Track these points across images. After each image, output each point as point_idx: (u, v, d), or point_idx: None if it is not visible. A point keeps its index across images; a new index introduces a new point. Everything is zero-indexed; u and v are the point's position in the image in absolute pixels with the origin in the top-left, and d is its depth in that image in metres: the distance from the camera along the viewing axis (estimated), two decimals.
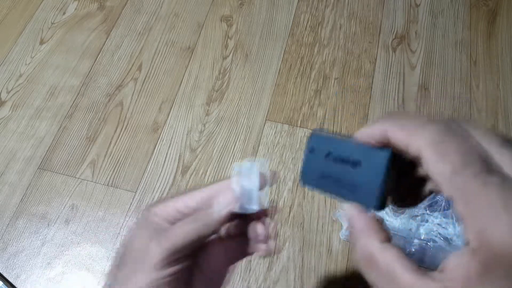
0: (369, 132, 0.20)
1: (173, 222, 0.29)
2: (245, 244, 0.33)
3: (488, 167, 0.16)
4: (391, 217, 0.68)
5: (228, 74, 0.90)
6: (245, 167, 0.28)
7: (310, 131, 0.24)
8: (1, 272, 0.70)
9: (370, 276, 0.20)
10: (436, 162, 0.17)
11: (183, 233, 0.27)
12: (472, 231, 0.16)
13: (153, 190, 0.77)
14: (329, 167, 0.22)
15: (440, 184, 0.17)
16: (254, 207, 0.29)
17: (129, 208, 0.76)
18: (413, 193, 0.22)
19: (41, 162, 0.80)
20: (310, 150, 0.24)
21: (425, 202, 0.69)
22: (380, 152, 0.20)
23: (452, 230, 0.66)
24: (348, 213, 0.21)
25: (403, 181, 0.22)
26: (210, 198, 0.29)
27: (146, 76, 0.89)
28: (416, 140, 0.18)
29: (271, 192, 0.76)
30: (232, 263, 0.33)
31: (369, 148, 0.20)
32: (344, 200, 0.22)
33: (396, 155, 0.20)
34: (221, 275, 0.32)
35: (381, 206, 0.20)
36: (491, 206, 0.16)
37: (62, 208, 0.76)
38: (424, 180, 0.22)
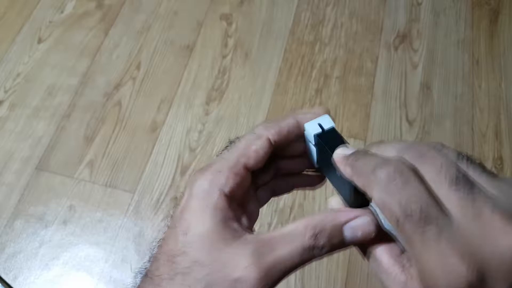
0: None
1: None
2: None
3: (426, 216, 0.18)
4: None
5: (227, 73, 0.89)
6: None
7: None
8: None
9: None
10: (385, 214, 0.19)
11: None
12: (416, 270, 0.19)
13: (152, 191, 0.76)
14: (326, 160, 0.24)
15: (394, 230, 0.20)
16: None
17: (127, 209, 0.75)
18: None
19: (39, 162, 0.79)
20: (315, 145, 0.25)
21: None
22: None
23: None
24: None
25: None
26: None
27: (144, 75, 0.89)
28: (370, 189, 0.19)
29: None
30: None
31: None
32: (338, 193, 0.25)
33: None
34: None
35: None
36: (429, 253, 0.18)
37: (60, 209, 0.75)
38: None
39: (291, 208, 0.75)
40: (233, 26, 0.95)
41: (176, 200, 0.76)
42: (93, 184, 0.77)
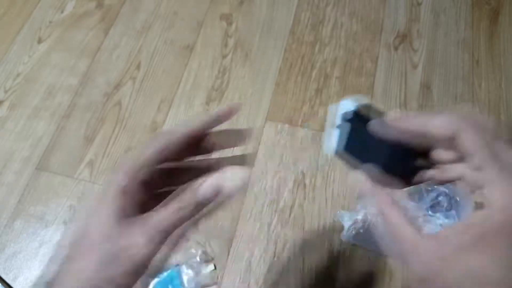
0: (409, 121, 0.25)
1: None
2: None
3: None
4: None
5: (227, 73, 0.89)
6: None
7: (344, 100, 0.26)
8: None
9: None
10: (473, 135, 0.23)
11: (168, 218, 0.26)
12: (503, 193, 0.22)
13: None
14: (355, 139, 0.26)
15: (474, 154, 0.23)
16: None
17: None
18: (408, 175, 0.27)
19: (39, 162, 0.79)
20: (349, 120, 0.26)
21: (428, 203, 0.68)
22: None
23: None
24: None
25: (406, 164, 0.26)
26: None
27: (144, 75, 0.89)
28: (453, 124, 0.23)
29: (270, 193, 0.76)
30: None
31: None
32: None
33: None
34: None
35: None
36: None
37: (60, 209, 0.75)
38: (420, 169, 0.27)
39: (291, 208, 0.75)
40: (233, 26, 0.95)
41: None
42: (93, 184, 0.77)
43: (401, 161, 0.25)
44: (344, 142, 0.27)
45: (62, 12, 0.96)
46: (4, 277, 0.69)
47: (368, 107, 0.26)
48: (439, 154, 0.26)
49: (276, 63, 0.90)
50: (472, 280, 0.20)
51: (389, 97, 0.87)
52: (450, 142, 0.24)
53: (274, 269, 0.70)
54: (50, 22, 0.95)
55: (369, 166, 0.26)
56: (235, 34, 0.94)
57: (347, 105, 0.26)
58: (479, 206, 0.78)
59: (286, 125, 0.83)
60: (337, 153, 0.28)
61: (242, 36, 0.94)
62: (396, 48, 0.93)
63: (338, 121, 0.26)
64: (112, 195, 0.26)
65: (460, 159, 0.25)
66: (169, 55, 0.91)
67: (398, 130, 0.25)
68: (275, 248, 0.71)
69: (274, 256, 0.71)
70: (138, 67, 0.89)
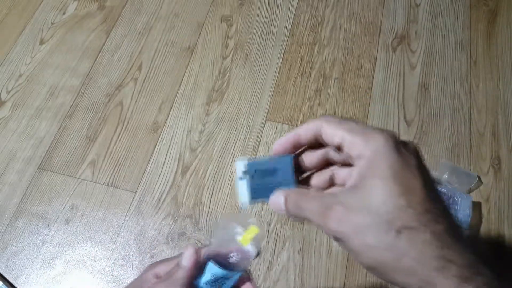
0: (281, 142, 0.29)
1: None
2: None
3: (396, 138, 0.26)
4: None
5: (228, 74, 0.90)
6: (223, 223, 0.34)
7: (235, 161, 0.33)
8: (1, 272, 0.70)
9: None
10: (352, 145, 0.26)
11: None
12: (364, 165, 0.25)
13: (153, 190, 0.77)
14: (259, 181, 0.30)
15: (356, 155, 0.25)
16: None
17: (129, 208, 0.76)
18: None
19: (41, 162, 0.80)
20: (242, 176, 0.30)
21: None
22: (286, 157, 0.29)
23: None
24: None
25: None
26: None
27: (146, 76, 0.89)
28: (340, 133, 0.26)
29: None
30: None
31: (279, 157, 0.29)
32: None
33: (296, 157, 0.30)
34: None
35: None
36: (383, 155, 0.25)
37: (62, 208, 0.75)
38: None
39: None
40: (233, 27, 0.96)
41: (176, 200, 0.76)
42: (95, 184, 0.78)
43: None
44: (250, 190, 0.30)
45: (64, 13, 0.97)
46: (6, 275, 0.70)
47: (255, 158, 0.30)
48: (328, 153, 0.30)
49: (276, 64, 0.91)
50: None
51: (387, 98, 0.88)
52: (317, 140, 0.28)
53: (273, 268, 0.71)
54: (52, 23, 0.96)
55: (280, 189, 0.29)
56: (235, 36, 0.95)
57: (241, 162, 0.29)
58: (476, 205, 0.78)
59: (286, 125, 0.84)
60: (250, 203, 0.31)
61: (242, 37, 0.94)
62: (394, 49, 0.94)
63: (239, 175, 0.30)
64: None
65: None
66: (170, 56, 0.92)
67: (281, 148, 0.29)
68: (275, 247, 0.72)
69: (273, 255, 0.71)
70: (139, 68, 0.90)
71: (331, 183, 0.30)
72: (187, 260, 0.33)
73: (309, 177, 0.31)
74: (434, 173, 0.78)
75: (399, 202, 0.23)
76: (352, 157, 0.26)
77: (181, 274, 0.32)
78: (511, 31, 0.97)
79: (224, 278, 0.32)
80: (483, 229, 0.75)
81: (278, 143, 0.29)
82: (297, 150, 0.30)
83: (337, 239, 0.25)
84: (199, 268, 0.33)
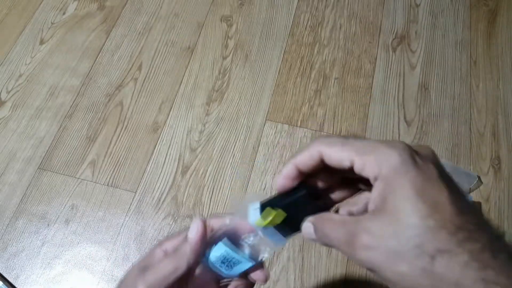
0: (284, 175, 0.27)
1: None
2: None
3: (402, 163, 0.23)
4: None
5: (228, 74, 0.90)
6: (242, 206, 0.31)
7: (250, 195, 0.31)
8: (1, 272, 0.70)
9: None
10: (365, 166, 0.24)
11: (164, 268, 0.30)
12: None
13: (153, 190, 0.77)
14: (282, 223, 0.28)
15: (372, 177, 0.24)
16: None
17: (129, 208, 0.76)
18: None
19: (41, 162, 0.80)
20: (265, 228, 0.29)
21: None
22: (300, 190, 0.28)
23: None
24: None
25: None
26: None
27: (146, 76, 0.89)
28: (347, 154, 0.25)
29: (270, 193, 0.76)
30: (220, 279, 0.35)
31: (292, 192, 0.28)
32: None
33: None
34: None
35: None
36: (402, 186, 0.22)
37: (62, 208, 0.75)
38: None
39: None
40: (233, 27, 0.96)
41: (176, 200, 0.76)
42: (95, 184, 0.78)
43: (308, 204, 0.27)
44: (280, 234, 0.29)
45: (64, 13, 0.97)
46: (6, 275, 0.70)
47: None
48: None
49: (276, 64, 0.91)
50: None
51: (387, 98, 0.88)
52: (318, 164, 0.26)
53: (273, 268, 0.71)
54: (52, 23, 0.96)
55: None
56: (235, 36, 0.95)
57: (254, 205, 0.29)
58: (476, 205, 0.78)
59: (286, 125, 0.84)
60: (287, 242, 0.30)
61: (242, 37, 0.94)
62: (394, 49, 0.94)
63: (259, 224, 0.28)
64: None
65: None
66: (170, 56, 0.92)
67: (285, 182, 0.28)
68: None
69: (273, 255, 0.71)
70: (139, 68, 0.90)
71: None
72: (193, 233, 0.31)
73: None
74: None
75: (428, 223, 0.21)
76: (369, 178, 0.24)
77: (187, 249, 0.30)
78: (511, 31, 0.97)
79: (234, 260, 0.31)
80: None
81: (283, 177, 0.27)
82: (302, 177, 0.28)
83: (370, 269, 0.23)
84: (210, 242, 0.31)
